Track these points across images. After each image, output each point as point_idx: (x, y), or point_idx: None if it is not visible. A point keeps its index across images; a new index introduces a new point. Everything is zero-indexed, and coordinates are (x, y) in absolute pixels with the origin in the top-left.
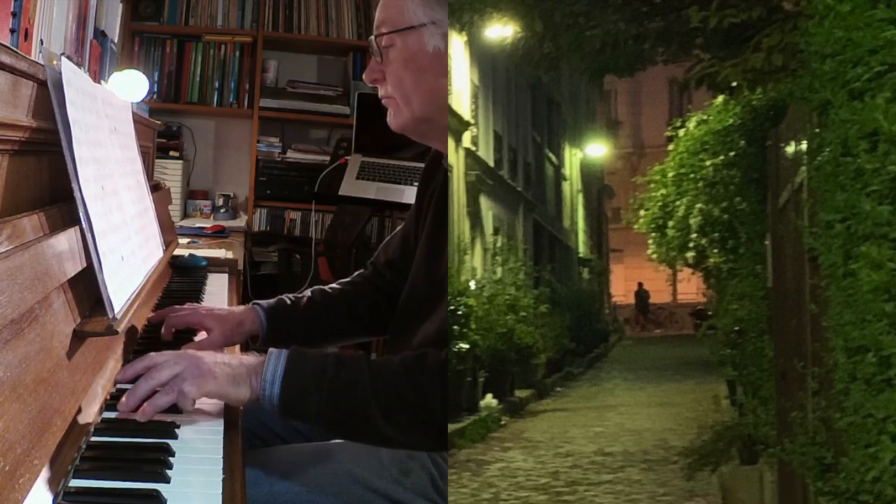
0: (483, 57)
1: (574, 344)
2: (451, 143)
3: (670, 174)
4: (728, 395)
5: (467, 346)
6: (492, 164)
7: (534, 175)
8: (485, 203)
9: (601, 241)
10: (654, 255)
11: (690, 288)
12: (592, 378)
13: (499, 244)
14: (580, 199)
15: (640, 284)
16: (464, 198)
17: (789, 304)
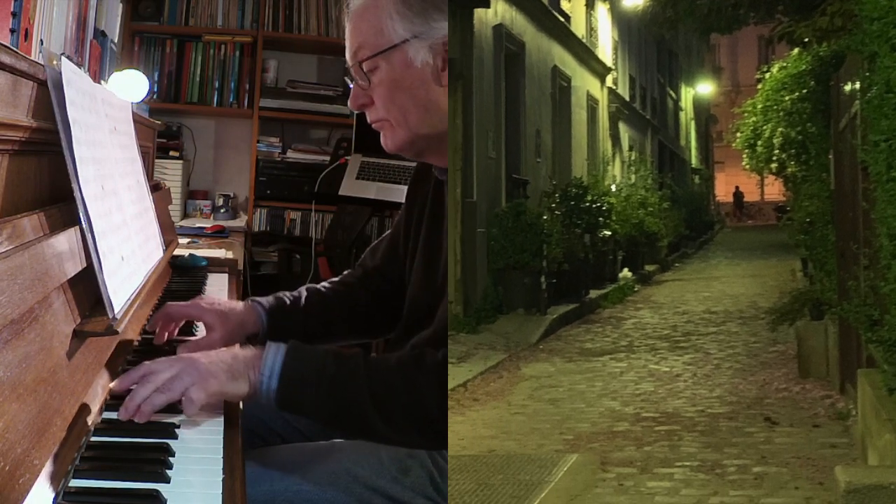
0: (621, 20)
1: (688, 231)
2: (596, 82)
3: (759, 106)
4: (802, 269)
5: (609, 233)
6: (627, 98)
7: (658, 107)
8: (622, 127)
9: (708, 155)
10: (748, 166)
11: (774, 190)
12: (701, 256)
13: (633, 157)
14: (692, 124)
15: (737, 187)
16: (607, 123)
17: (847, 202)
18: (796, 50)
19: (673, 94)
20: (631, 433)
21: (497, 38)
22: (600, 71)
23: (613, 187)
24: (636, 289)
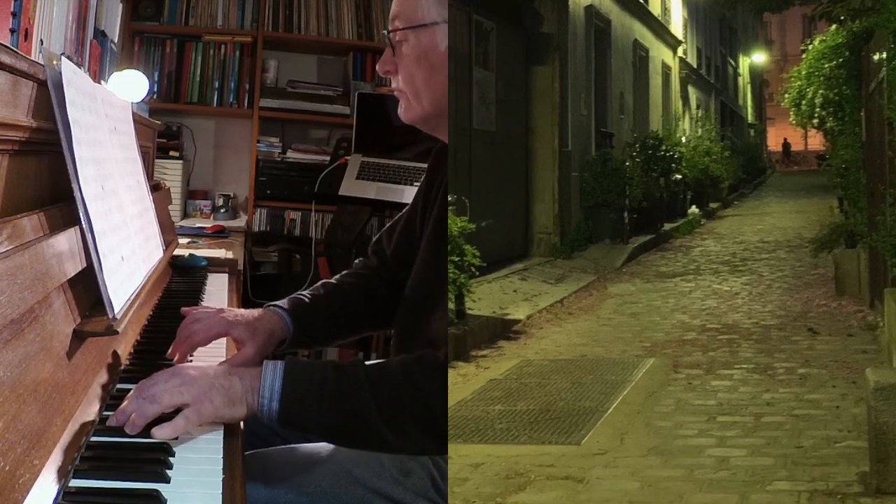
0: (689, 1)
1: (745, 175)
2: (669, 53)
3: (803, 72)
4: (838, 206)
5: (680, 177)
6: (695, 66)
7: (720, 73)
8: (691, 90)
9: (761, 112)
10: (794, 121)
11: (815, 141)
12: (756, 196)
13: (699, 115)
14: (748, 87)
15: (785, 139)
16: (678, 87)
17: (875, 151)
18: (834, 26)
19: (732, 63)
20: (698, 341)
21: (588, 16)
22: (673, 44)
23: (683, 139)
24: (702, 222)
